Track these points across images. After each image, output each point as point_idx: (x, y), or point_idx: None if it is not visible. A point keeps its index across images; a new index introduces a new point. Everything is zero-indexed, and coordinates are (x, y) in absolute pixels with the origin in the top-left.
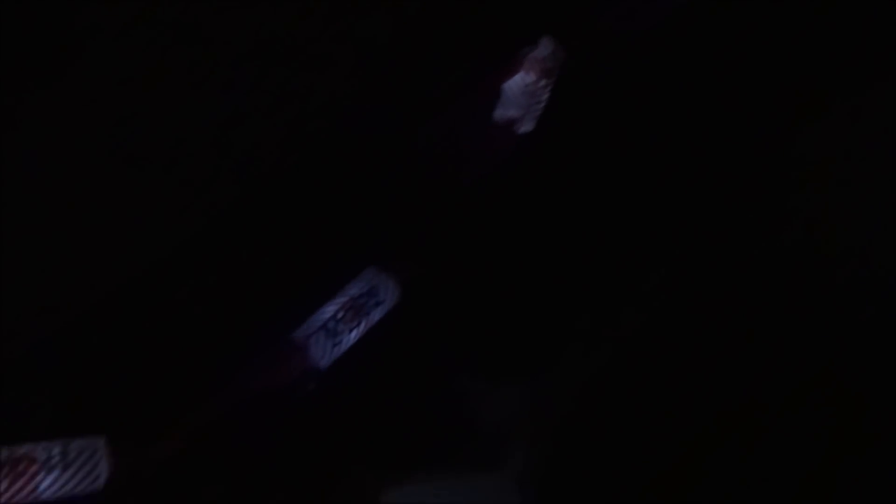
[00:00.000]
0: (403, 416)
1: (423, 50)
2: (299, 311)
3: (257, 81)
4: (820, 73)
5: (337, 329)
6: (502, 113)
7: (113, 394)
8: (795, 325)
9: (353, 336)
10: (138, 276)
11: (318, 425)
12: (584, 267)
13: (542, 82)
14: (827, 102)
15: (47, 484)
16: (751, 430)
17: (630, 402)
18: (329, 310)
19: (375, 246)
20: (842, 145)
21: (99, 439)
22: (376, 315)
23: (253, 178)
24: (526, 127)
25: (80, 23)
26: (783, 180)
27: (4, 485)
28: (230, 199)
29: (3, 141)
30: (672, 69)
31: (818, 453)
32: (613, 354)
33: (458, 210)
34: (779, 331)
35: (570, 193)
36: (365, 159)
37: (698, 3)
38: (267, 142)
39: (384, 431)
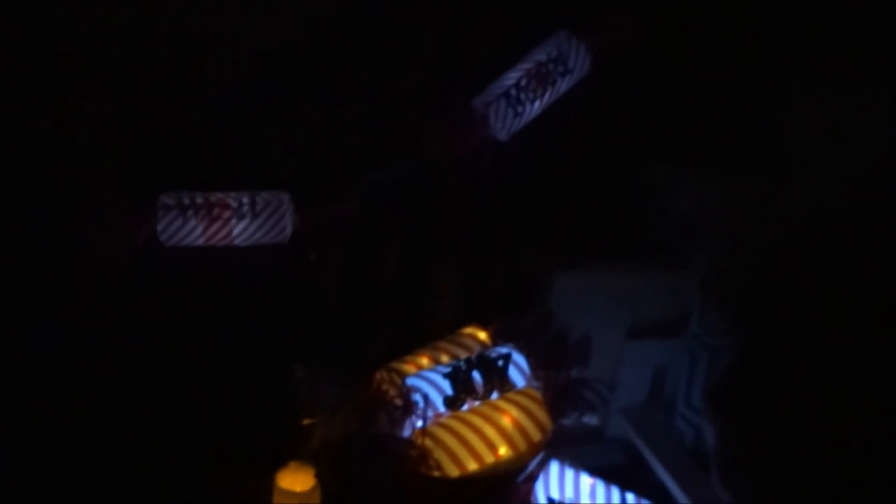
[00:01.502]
0: (583, 202)
1: None
2: (481, 76)
3: None
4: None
5: (519, 98)
6: None
7: (296, 155)
8: None
9: (537, 107)
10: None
11: (492, 201)
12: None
13: None
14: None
15: (240, 230)
16: None
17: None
18: (512, 76)
19: (567, 4)
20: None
21: (284, 193)
22: (563, 85)
23: None
24: None
25: None
26: None
27: (202, 227)
28: None
29: None
30: None
31: None
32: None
33: None
34: None
35: None
36: None
37: None
38: None
39: (560, 215)
